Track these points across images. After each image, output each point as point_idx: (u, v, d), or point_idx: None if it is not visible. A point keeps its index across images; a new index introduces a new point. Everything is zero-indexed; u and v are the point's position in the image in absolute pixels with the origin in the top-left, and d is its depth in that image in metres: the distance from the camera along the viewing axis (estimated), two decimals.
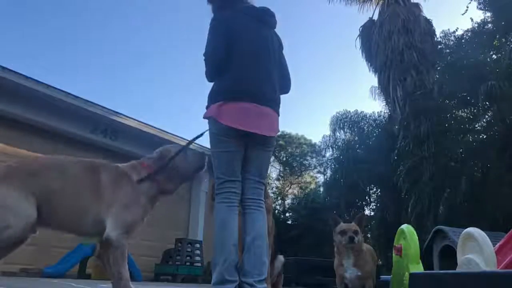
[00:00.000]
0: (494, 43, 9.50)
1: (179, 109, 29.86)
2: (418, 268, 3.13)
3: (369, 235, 12.34)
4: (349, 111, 13.75)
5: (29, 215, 1.81)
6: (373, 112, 13.81)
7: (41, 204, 1.86)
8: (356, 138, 13.78)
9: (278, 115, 2.52)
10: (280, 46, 2.68)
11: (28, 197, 1.82)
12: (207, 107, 2.46)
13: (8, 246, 1.84)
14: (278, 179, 18.75)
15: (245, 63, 2.43)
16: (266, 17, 2.63)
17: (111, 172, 2.06)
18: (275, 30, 2.69)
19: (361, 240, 2.99)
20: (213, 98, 2.41)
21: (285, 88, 2.69)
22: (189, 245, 8.59)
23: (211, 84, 2.51)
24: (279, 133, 2.83)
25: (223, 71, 2.40)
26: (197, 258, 8.52)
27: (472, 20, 9.99)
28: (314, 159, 18.58)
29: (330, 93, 31.00)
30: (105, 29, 23.90)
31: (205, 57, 2.46)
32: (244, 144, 2.42)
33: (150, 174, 2.10)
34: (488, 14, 9.87)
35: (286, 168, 18.87)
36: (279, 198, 17.69)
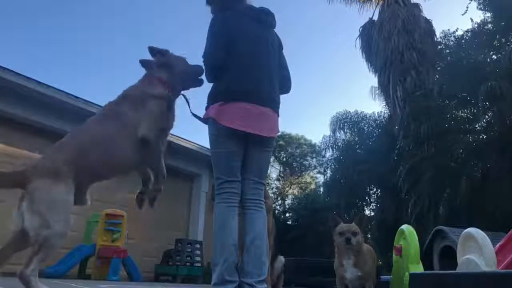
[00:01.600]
0: (494, 43, 9.51)
1: (179, 108, 29.79)
2: (418, 268, 3.13)
3: (369, 236, 12.32)
4: (349, 112, 13.73)
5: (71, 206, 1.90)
6: (373, 113, 13.80)
7: (81, 171, 1.92)
8: (356, 138, 13.77)
9: (278, 116, 2.52)
10: (280, 46, 2.68)
11: (71, 185, 1.89)
12: (206, 108, 2.45)
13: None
14: (278, 180, 18.73)
15: (245, 63, 2.43)
16: (265, 17, 2.63)
17: (132, 95, 2.16)
18: (274, 30, 2.69)
19: (361, 241, 2.99)
20: (212, 98, 2.42)
21: (286, 89, 2.69)
22: (189, 245, 8.59)
23: (210, 84, 2.51)
24: (279, 134, 2.83)
25: (223, 72, 2.40)
26: (197, 259, 8.51)
27: (472, 20, 10.00)
28: (314, 160, 18.56)
29: (330, 93, 30.96)
30: (104, 27, 23.92)
31: (204, 58, 2.45)
32: (244, 145, 2.42)
33: (168, 88, 2.22)
34: (488, 14, 9.88)
35: (286, 168, 18.84)
36: (279, 198, 17.66)
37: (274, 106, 2.48)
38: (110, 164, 2.05)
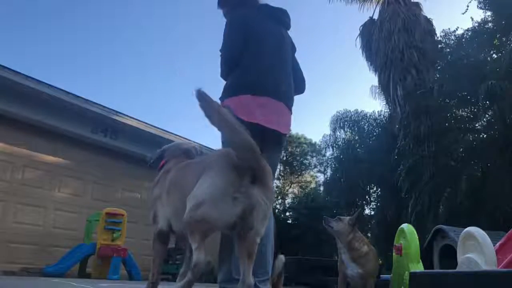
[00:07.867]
0: (495, 42, 9.50)
1: (180, 108, 29.86)
2: (418, 267, 3.14)
3: (369, 235, 12.33)
4: (350, 111, 13.76)
5: None
6: (373, 112, 13.84)
7: None
8: (356, 137, 13.77)
9: (291, 113, 2.52)
10: (293, 48, 2.68)
11: None
12: (221, 100, 2.37)
13: None
14: (278, 179, 18.72)
15: (265, 59, 2.41)
16: (282, 18, 2.63)
17: None
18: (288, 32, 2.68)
19: (347, 230, 3.16)
20: (231, 91, 2.35)
21: (302, 89, 2.70)
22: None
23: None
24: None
25: (240, 66, 2.38)
26: None
27: (472, 19, 10.00)
28: (314, 159, 18.58)
29: (330, 92, 31.01)
30: (105, 27, 23.90)
31: (222, 52, 2.44)
32: (259, 140, 2.37)
33: None
34: (489, 13, 9.87)
35: (287, 167, 18.83)
36: (279, 197, 17.66)
37: (290, 103, 2.48)
38: None
